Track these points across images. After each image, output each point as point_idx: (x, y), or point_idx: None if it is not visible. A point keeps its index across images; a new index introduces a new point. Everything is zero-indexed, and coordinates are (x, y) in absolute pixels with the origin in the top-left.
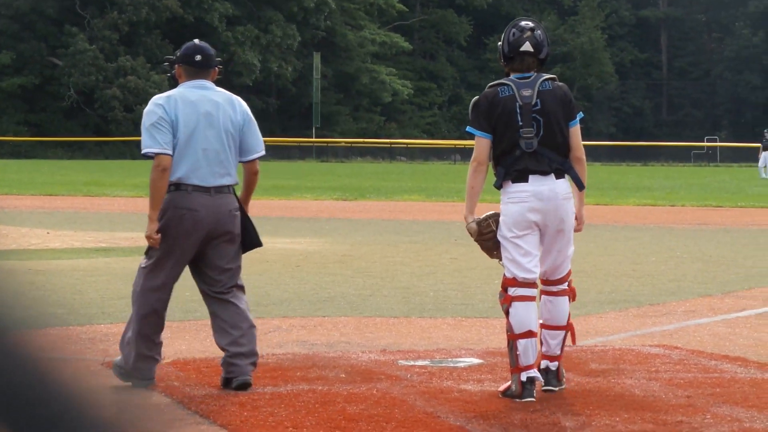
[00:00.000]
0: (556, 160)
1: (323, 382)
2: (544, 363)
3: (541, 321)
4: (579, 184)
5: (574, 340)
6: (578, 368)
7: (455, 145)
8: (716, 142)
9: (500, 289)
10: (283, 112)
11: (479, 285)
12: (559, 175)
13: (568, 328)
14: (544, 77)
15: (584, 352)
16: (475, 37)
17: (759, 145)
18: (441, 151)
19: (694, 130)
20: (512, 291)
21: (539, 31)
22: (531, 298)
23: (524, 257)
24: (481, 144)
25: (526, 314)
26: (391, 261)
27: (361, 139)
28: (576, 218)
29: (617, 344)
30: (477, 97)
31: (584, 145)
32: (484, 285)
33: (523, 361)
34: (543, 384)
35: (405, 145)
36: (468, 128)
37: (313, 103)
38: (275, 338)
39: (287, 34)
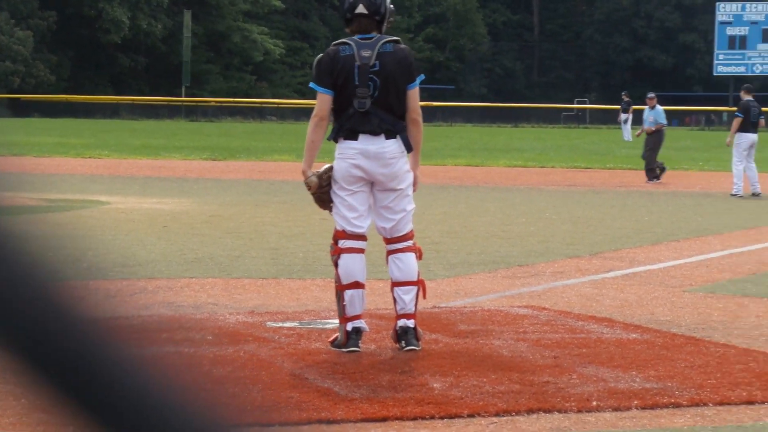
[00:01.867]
0: (387, 121)
1: (189, 344)
2: (401, 322)
3: (392, 280)
4: (407, 146)
5: (425, 295)
6: (447, 329)
7: None
8: (586, 104)
9: (332, 241)
10: (152, 71)
11: None
12: (389, 136)
13: (419, 283)
14: (386, 39)
15: (453, 313)
16: None
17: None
18: (312, 111)
19: (564, 92)
20: (341, 243)
21: None
22: (359, 250)
23: (350, 212)
24: (322, 100)
25: (354, 265)
26: (260, 222)
27: (232, 99)
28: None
29: (486, 305)
30: (321, 54)
31: (457, 107)
32: None
33: (349, 311)
34: (399, 343)
35: (276, 105)
36: (311, 84)
37: (182, 62)
38: (140, 300)
39: None
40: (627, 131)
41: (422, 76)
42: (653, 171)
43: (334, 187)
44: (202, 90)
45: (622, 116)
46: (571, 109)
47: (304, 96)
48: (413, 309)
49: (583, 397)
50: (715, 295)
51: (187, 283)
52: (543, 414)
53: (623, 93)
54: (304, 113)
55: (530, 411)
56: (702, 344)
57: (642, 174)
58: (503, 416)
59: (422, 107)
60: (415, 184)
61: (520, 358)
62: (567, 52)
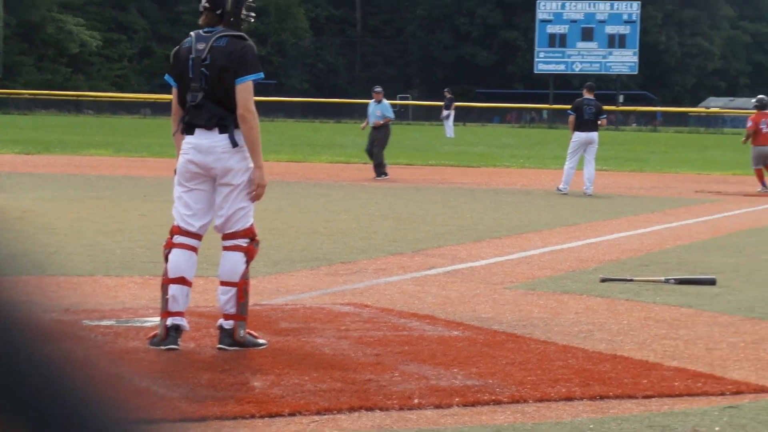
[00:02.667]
0: (218, 115)
1: None
2: (219, 321)
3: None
4: (232, 142)
5: (241, 297)
6: (268, 327)
7: (145, 98)
8: (408, 100)
9: (168, 234)
10: None
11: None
12: (222, 130)
13: (238, 285)
14: (222, 33)
15: (274, 311)
16: None
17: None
18: (130, 105)
19: (387, 88)
20: (175, 238)
21: None
22: (190, 248)
23: (185, 209)
24: (173, 93)
25: (182, 261)
26: (76, 217)
27: (46, 91)
28: (251, 181)
29: (308, 303)
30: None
31: (278, 102)
32: None
33: (171, 306)
34: (219, 342)
35: (93, 98)
36: (165, 76)
37: None
38: None
39: None
40: (449, 128)
41: (260, 74)
42: (382, 167)
43: (174, 182)
44: (14, 82)
45: (444, 113)
46: (395, 106)
47: (121, 89)
48: (231, 310)
49: (404, 395)
50: (536, 292)
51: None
52: (365, 412)
53: (446, 90)
54: (122, 107)
55: (352, 409)
56: (523, 341)
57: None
58: (324, 414)
59: None
60: (255, 187)
61: (342, 356)
62: (390, 48)
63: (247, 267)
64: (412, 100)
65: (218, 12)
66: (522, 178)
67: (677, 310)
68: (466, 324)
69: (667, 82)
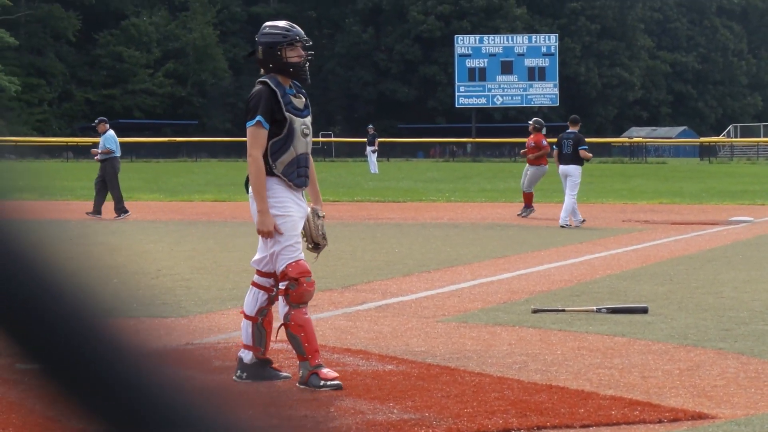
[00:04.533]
0: None
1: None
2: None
3: None
4: (246, 187)
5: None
6: (201, 366)
7: (67, 142)
8: (331, 137)
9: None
10: None
11: None
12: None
13: (284, 326)
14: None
15: (207, 350)
16: (85, 32)
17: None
18: (53, 149)
19: None
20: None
21: None
22: (254, 284)
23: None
24: None
25: (247, 297)
26: None
27: None
28: None
29: (239, 341)
30: None
31: (201, 142)
32: None
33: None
34: None
35: (14, 143)
36: None
37: None
38: None
39: None
40: (373, 164)
41: (256, 119)
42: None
43: None
44: None
45: (369, 149)
46: (317, 143)
47: (43, 134)
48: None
49: (341, 431)
50: (468, 325)
51: None
52: None
53: (369, 126)
54: (45, 150)
55: None
56: (457, 373)
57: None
58: None
59: (165, 144)
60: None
61: (277, 392)
62: (310, 86)
63: (289, 309)
64: (335, 137)
65: (255, 59)
66: (448, 211)
67: (610, 339)
68: (400, 358)
69: (589, 113)
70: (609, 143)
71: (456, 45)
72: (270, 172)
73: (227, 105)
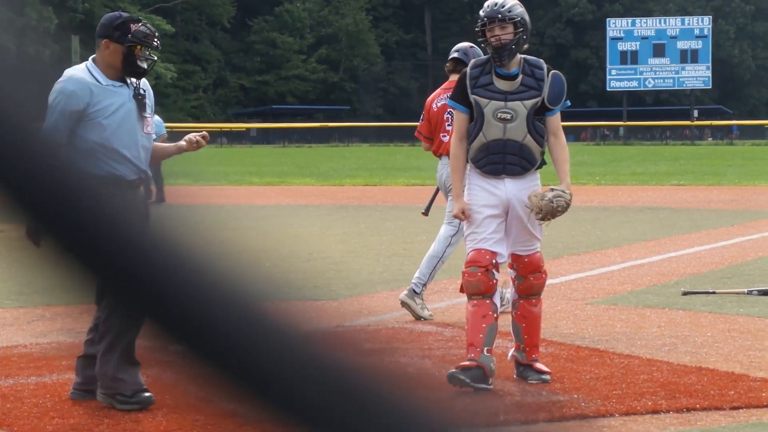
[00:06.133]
0: None
1: None
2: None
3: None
4: None
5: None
6: (351, 349)
7: (221, 128)
8: None
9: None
10: (44, 97)
11: None
12: None
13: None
14: None
15: (357, 332)
16: (240, 18)
17: None
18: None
19: None
20: None
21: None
22: None
23: None
24: None
25: None
26: None
27: None
28: None
29: (390, 323)
30: None
31: (352, 127)
32: None
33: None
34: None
35: (171, 129)
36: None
37: None
38: (39, 327)
39: (43, 17)
40: None
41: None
42: None
43: None
44: None
45: None
46: None
47: (198, 119)
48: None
49: (490, 412)
50: (617, 307)
51: (87, 309)
52: None
53: None
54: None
55: None
56: (606, 356)
57: None
58: None
59: (318, 129)
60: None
61: (426, 374)
62: None
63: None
64: None
65: None
66: (598, 194)
67: (762, 321)
68: (549, 340)
69: (742, 96)
70: (763, 125)
71: (608, 28)
72: (467, 159)
73: (379, 90)
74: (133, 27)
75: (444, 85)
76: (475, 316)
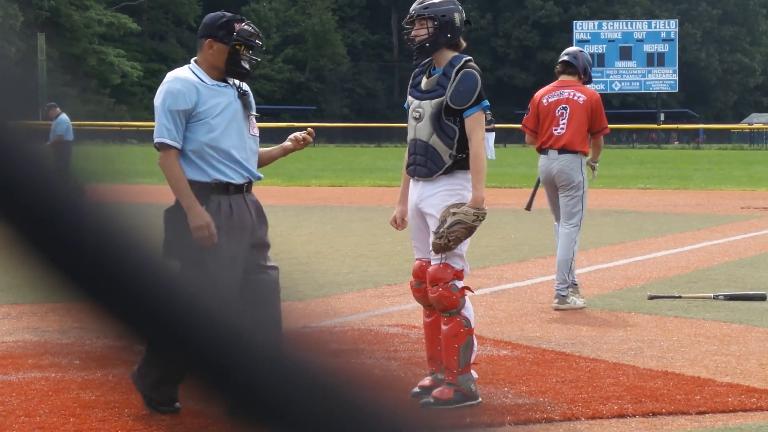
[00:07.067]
0: None
1: (56, 369)
2: None
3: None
4: None
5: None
6: (317, 349)
7: None
8: None
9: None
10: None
11: None
12: None
13: None
14: None
15: (323, 333)
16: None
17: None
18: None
19: None
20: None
21: None
22: None
23: None
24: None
25: None
26: None
27: (90, 122)
28: None
29: (356, 325)
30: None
31: (319, 127)
32: None
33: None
34: None
35: (136, 128)
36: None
37: (38, 85)
38: (4, 325)
39: (9, 14)
40: (490, 149)
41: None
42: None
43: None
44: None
45: (486, 134)
46: None
47: None
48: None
49: (456, 414)
50: (584, 311)
51: (52, 308)
52: None
53: (487, 112)
54: None
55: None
56: (572, 359)
57: None
58: None
59: (284, 129)
60: None
61: (392, 377)
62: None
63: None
64: None
65: None
66: None
67: (727, 326)
68: (515, 343)
69: (709, 99)
70: (729, 129)
71: (574, 31)
72: None
73: (345, 91)
74: (237, 26)
75: (554, 83)
76: (426, 328)
